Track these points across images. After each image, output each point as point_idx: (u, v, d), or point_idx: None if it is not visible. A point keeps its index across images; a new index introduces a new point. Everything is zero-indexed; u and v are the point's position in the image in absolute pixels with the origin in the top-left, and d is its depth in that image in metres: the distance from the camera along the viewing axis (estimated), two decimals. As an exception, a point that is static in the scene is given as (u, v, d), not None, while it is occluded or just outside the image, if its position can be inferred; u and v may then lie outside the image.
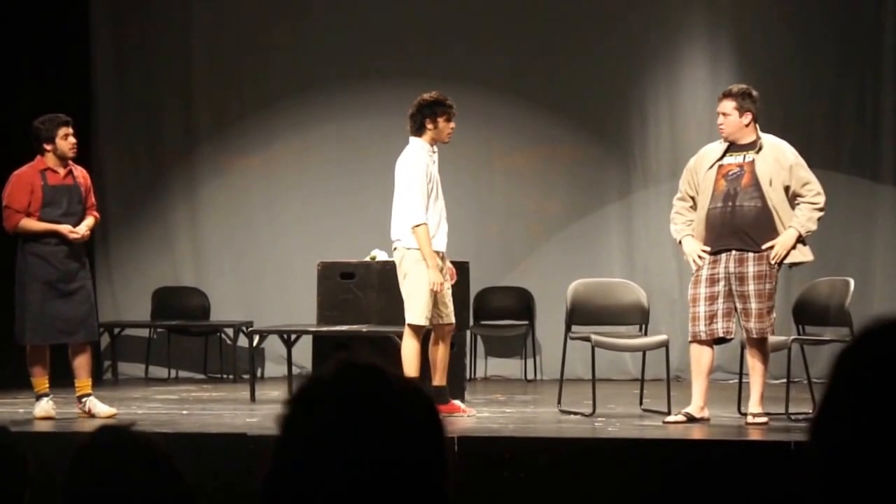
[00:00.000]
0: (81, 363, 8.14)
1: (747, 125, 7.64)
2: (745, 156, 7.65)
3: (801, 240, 7.60)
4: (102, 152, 11.62)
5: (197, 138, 11.86)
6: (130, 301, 11.73)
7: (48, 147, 8.11)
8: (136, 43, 11.79)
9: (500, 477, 6.43)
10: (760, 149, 7.63)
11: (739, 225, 7.57)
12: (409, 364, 7.83)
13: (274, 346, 10.67)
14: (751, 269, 7.55)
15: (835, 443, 1.43)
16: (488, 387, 10.74)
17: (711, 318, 7.61)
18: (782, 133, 8.11)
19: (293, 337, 9.23)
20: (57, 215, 8.08)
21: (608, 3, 11.48)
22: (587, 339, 8.23)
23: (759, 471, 6.38)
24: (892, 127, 11.17)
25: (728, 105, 7.67)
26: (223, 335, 11.58)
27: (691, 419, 7.61)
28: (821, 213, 7.61)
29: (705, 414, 7.69)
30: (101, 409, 8.02)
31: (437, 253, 7.96)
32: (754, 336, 7.59)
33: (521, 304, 11.52)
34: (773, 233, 7.57)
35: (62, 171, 8.15)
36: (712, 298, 7.61)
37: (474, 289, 10.58)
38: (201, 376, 11.55)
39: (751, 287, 7.54)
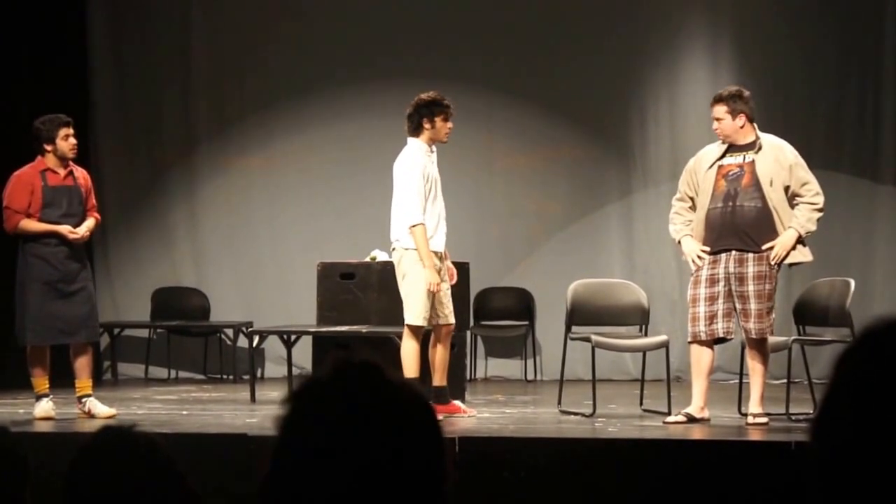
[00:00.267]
0: (82, 364, 8.13)
1: (742, 126, 7.64)
2: (744, 156, 7.65)
3: (800, 240, 7.60)
4: (101, 153, 11.62)
5: (196, 138, 11.85)
6: (130, 301, 11.73)
7: (48, 147, 8.10)
8: (135, 43, 11.78)
9: (500, 477, 6.43)
10: (760, 149, 7.63)
11: (739, 225, 7.56)
12: (409, 365, 7.83)
13: (274, 346, 10.67)
14: (750, 269, 7.55)
15: (836, 443, 1.43)
16: (488, 387, 10.74)
17: (711, 318, 7.60)
18: (782, 133, 8.10)
19: (293, 337, 9.22)
20: (57, 216, 8.07)
21: (608, 3, 11.48)
22: (587, 340, 8.23)
23: (759, 471, 6.38)
24: (892, 127, 11.17)
25: (720, 109, 7.67)
26: (223, 336, 11.57)
27: (691, 419, 7.61)
28: (820, 214, 7.61)
29: (705, 414, 7.69)
30: (101, 409, 8.02)
31: (437, 253, 7.96)
32: (754, 336, 7.59)
33: (522, 305, 11.52)
34: (773, 233, 7.56)
35: (62, 172, 8.15)
36: (712, 299, 7.60)
37: (474, 289, 10.58)
38: (201, 377, 11.55)
39: (750, 287, 7.54)
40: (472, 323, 10.81)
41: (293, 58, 11.64)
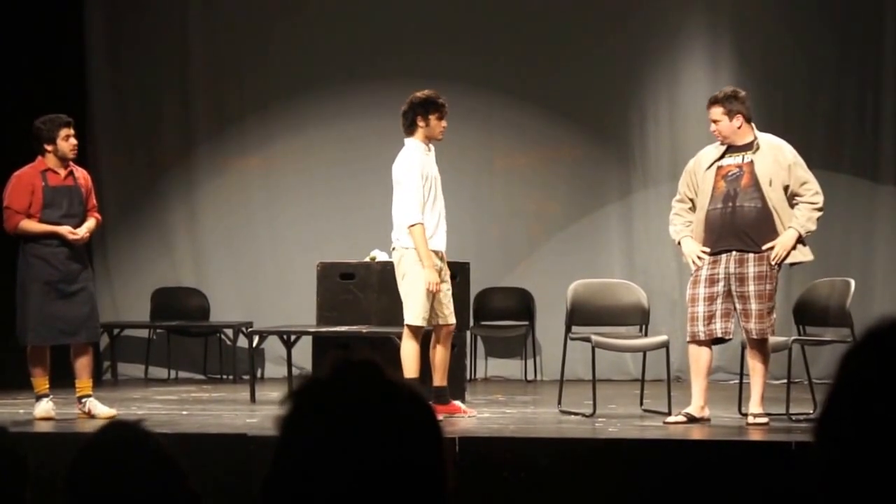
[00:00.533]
0: (83, 364, 8.13)
1: (740, 127, 7.63)
2: (743, 156, 7.64)
3: (800, 240, 7.59)
4: (100, 153, 11.60)
5: (195, 139, 11.85)
6: (130, 302, 11.72)
7: (49, 148, 8.10)
8: (134, 43, 11.77)
9: (500, 477, 6.42)
10: (758, 149, 7.62)
11: (739, 225, 7.56)
12: (409, 365, 7.82)
13: (274, 346, 10.67)
14: (751, 269, 7.55)
15: (839, 443, 1.42)
16: (488, 387, 10.74)
17: (710, 318, 7.60)
18: (783, 134, 8.10)
19: (293, 338, 9.22)
20: (57, 216, 8.07)
21: (608, 4, 11.48)
22: (587, 340, 8.22)
23: (759, 471, 6.38)
24: (892, 127, 11.17)
25: (716, 111, 7.66)
26: (223, 336, 11.57)
27: (692, 419, 7.61)
28: (820, 213, 7.61)
29: (706, 414, 7.68)
30: (101, 410, 8.01)
31: (437, 253, 7.96)
32: (754, 337, 7.59)
33: (522, 305, 11.52)
34: (773, 233, 7.56)
35: (63, 172, 8.14)
36: (711, 299, 7.60)
37: (474, 289, 10.58)
38: (201, 377, 11.55)
39: (751, 288, 7.53)
40: (472, 323, 10.81)
41: (292, 58, 11.64)
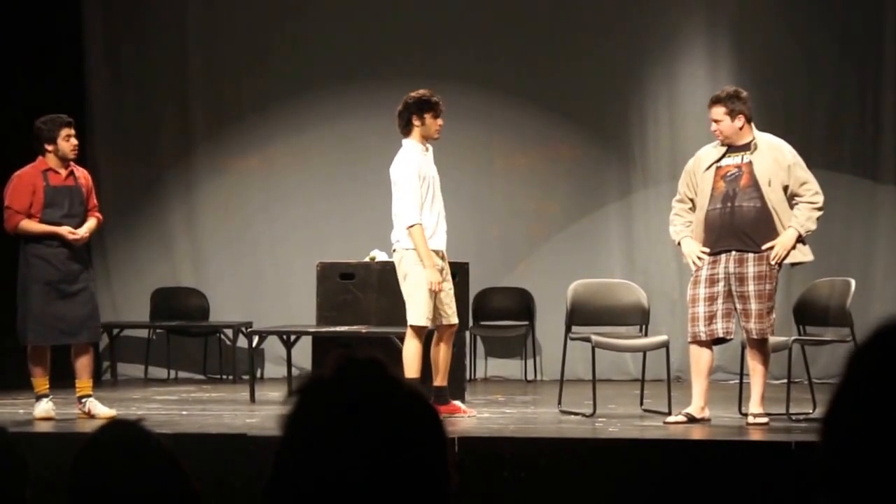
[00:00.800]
0: (83, 364, 8.13)
1: (741, 127, 7.63)
2: (742, 157, 7.64)
3: (800, 240, 7.59)
4: (99, 154, 11.59)
5: (195, 139, 11.84)
6: (129, 302, 11.72)
7: (49, 148, 8.10)
8: (132, 43, 11.76)
9: (500, 477, 6.42)
10: (756, 149, 7.61)
11: (739, 226, 7.55)
12: (411, 365, 7.82)
13: (273, 346, 10.67)
14: (751, 269, 7.54)
15: (844, 442, 1.42)
16: (488, 387, 10.74)
17: (711, 318, 7.60)
18: (783, 134, 8.10)
19: (293, 338, 9.22)
20: (58, 216, 8.07)
21: (608, 4, 11.48)
22: (587, 340, 8.22)
23: (759, 471, 6.38)
24: (892, 127, 11.17)
25: (718, 111, 7.65)
26: (222, 336, 11.57)
27: (692, 419, 7.60)
28: (820, 213, 7.60)
29: (706, 414, 7.68)
30: (101, 410, 8.01)
31: (437, 252, 7.96)
32: (754, 337, 7.58)
33: (521, 305, 11.52)
34: (772, 233, 7.56)
35: (63, 172, 8.14)
36: (711, 299, 7.60)
37: (474, 289, 10.58)
38: (201, 377, 11.55)
39: (751, 288, 7.53)
40: (471, 323, 10.81)
41: (292, 58, 11.63)
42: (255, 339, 9.95)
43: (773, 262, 7.55)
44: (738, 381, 8.31)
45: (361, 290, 9.43)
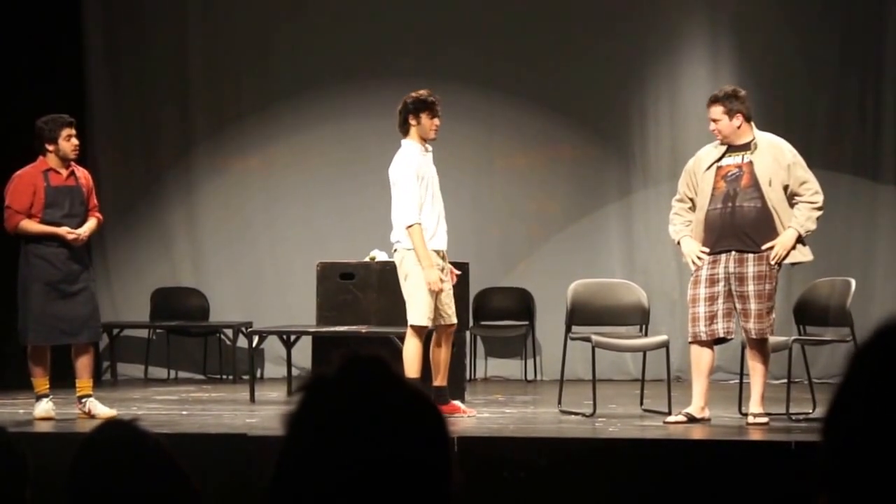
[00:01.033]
0: (84, 364, 8.13)
1: (739, 126, 7.62)
2: (742, 156, 7.63)
3: (800, 239, 7.58)
4: (99, 154, 11.59)
5: (195, 139, 11.84)
6: (129, 302, 11.72)
7: (50, 147, 8.10)
8: (132, 43, 11.76)
9: (500, 477, 6.42)
10: (756, 148, 7.61)
11: (739, 226, 7.55)
12: (411, 365, 7.82)
13: (273, 346, 10.67)
14: (750, 269, 7.54)
15: (846, 442, 1.42)
16: (488, 387, 10.74)
17: (711, 318, 7.59)
18: (783, 133, 8.09)
19: (293, 338, 9.22)
20: (59, 216, 8.07)
21: (608, 4, 11.48)
22: (587, 340, 8.22)
23: (759, 471, 6.38)
24: (893, 127, 11.17)
25: (717, 110, 7.64)
26: (222, 336, 11.57)
27: (692, 419, 7.60)
28: (819, 213, 7.59)
29: (706, 414, 7.68)
30: (101, 410, 8.01)
31: (438, 252, 7.96)
32: (754, 337, 7.58)
33: (521, 305, 11.52)
34: (773, 233, 7.55)
35: (64, 172, 8.14)
36: (712, 299, 7.59)
37: (474, 289, 10.58)
38: (201, 377, 11.54)
39: (750, 287, 7.53)
40: (471, 323, 10.81)
41: (292, 58, 11.63)
42: (255, 339, 9.95)
43: (772, 262, 7.55)
44: (738, 381, 8.31)
45: (361, 290, 9.43)
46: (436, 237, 7.96)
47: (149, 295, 11.68)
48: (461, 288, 8.82)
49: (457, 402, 8.18)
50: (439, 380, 8.01)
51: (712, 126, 7.68)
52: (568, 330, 8.38)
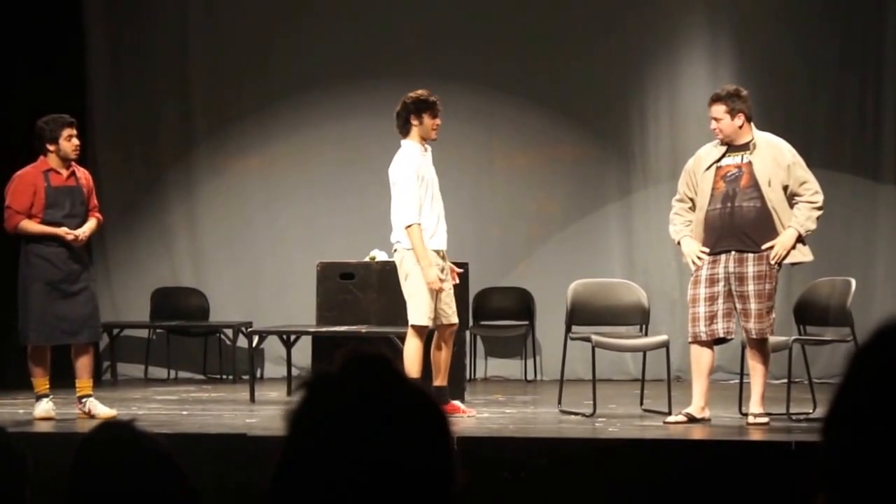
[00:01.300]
0: (84, 364, 8.13)
1: (741, 126, 7.62)
2: (742, 156, 7.63)
3: (800, 239, 7.58)
4: (99, 154, 11.58)
5: (195, 138, 11.84)
6: (129, 302, 11.72)
7: (51, 147, 8.10)
8: (133, 42, 11.76)
9: (500, 477, 6.42)
10: (755, 148, 7.60)
11: (739, 226, 7.55)
12: (412, 365, 7.82)
13: (273, 346, 10.67)
14: (750, 269, 7.54)
15: (846, 443, 1.42)
16: (488, 387, 10.74)
17: (711, 318, 7.59)
18: (783, 133, 8.09)
19: (293, 337, 9.22)
20: (60, 217, 8.07)
21: (608, 4, 11.47)
22: (587, 340, 8.22)
23: (759, 471, 6.37)
24: (893, 127, 11.17)
25: (719, 109, 7.64)
26: (222, 336, 11.57)
27: (692, 419, 7.60)
28: (819, 213, 7.59)
29: (706, 414, 7.68)
30: (101, 410, 8.01)
31: (438, 252, 7.96)
32: (754, 336, 7.58)
33: (521, 305, 11.51)
34: (772, 233, 7.55)
35: (65, 173, 8.14)
36: (712, 299, 7.59)
37: (474, 289, 10.58)
38: (201, 377, 11.54)
39: (750, 287, 7.53)
40: (471, 323, 10.81)
41: (292, 58, 11.63)
42: (255, 339, 9.95)
43: (772, 262, 7.55)
44: (738, 381, 8.31)
45: (361, 289, 9.43)
46: (436, 237, 7.96)
47: (149, 295, 11.68)
48: (461, 288, 8.81)
49: (457, 402, 8.18)
50: (440, 380, 8.01)
51: (713, 125, 7.67)
52: (568, 330, 8.38)
